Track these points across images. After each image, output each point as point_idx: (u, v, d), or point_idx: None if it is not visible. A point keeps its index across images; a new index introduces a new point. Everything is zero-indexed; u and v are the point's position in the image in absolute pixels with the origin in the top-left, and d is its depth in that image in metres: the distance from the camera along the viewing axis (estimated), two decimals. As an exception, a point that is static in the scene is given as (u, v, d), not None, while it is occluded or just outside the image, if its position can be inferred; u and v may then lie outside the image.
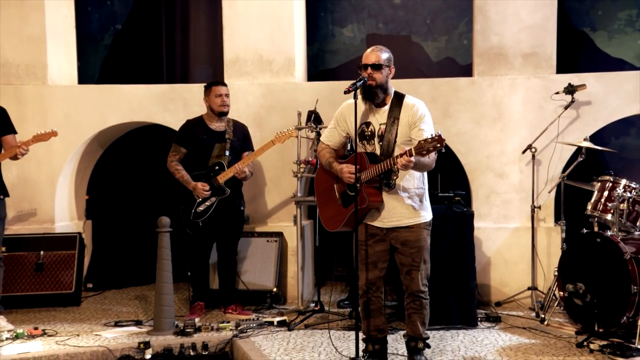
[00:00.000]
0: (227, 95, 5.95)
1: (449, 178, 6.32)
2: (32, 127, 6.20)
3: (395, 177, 4.27)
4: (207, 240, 6.03)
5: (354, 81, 4.15)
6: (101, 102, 7.00)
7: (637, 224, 5.35)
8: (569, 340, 5.06)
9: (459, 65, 7.63)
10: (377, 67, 4.24)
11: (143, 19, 8.22)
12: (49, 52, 6.99)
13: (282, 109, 6.69)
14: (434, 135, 3.93)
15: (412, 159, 3.96)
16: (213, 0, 7.65)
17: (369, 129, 4.35)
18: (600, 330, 4.99)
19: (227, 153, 5.93)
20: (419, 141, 3.99)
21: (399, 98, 4.34)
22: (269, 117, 6.69)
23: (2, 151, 5.50)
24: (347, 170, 4.28)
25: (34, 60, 6.97)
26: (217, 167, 5.89)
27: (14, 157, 5.47)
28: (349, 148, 4.76)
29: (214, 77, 7.42)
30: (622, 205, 5.27)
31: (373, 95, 4.28)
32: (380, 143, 4.29)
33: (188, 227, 5.87)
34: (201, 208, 5.86)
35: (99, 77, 8.16)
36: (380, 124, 4.32)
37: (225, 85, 6.01)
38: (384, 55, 4.29)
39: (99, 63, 8.21)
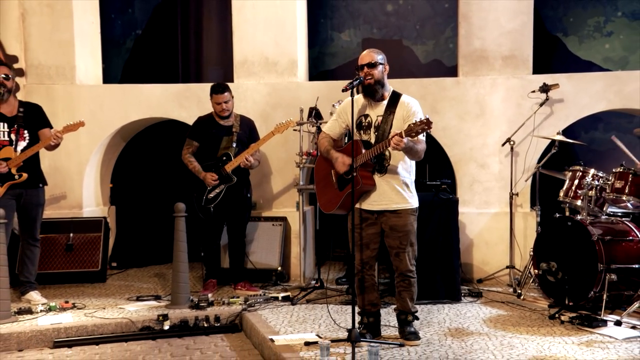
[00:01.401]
0: (226, 102, 5.83)
1: (436, 168, 6.34)
2: (62, 122, 6.16)
3: (386, 164, 4.30)
4: (218, 224, 6.04)
5: (351, 80, 4.17)
6: (123, 100, 6.99)
7: (604, 209, 5.36)
8: (542, 313, 5.09)
9: (446, 67, 7.62)
10: (373, 65, 4.27)
11: (161, 25, 8.21)
12: (77, 55, 6.98)
13: (285, 106, 6.68)
14: (422, 119, 3.96)
15: (404, 139, 3.98)
16: (224, 7, 7.64)
17: (367, 120, 4.37)
18: (570, 303, 5.02)
19: (234, 145, 5.91)
20: (409, 124, 4.02)
21: (395, 96, 4.37)
22: (274, 114, 6.69)
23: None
24: (340, 160, 4.31)
25: (63, 62, 6.96)
26: (224, 158, 5.88)
27: (50, 147, 5.49)
28: (346, 141, 4.77)
29: (224, 78, 7.43)
30: (590, 192, 5.28)
31: (373, 91, 4.30)
32: (376, 133, 4.31)
33: (200, 212, 5.89)
34: (211, 195, 5.87)
35: (121, 77, 8.16)
36: (377, 116, 4.34)
37: (223, 92, 5.82)
38: (378, 55, 4.32)
39: (121, 65, 8.21)
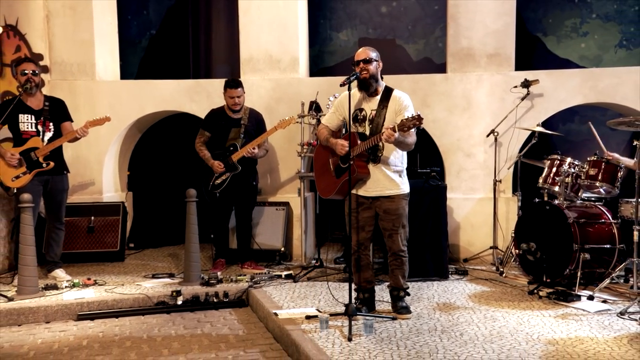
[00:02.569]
0: (238, 97, 5.83)
1: (427, 157, 6.34)
2: (83, 115, 6.22)
3: (380, 154, 4.30)
4: (226, 208, 6.05)
5: (348, 76, 4.18)
6: (139, 95, 7.00)
7: (579, 194, 5.39)
8: (522, 289, 5.12)
9: (435, 64, 7.61)
10: (368, 61, 4.27)
11: (173, 25, 8.18)
12: (97, 53, 6.98)
13: (288, 100, 6.69)
14: (414, 115, 3.97)
15: (396, 133, 4.00)
16: (231, 9, 7.61)
17: (362, 114, 4.38)
18: (548, 280, 5.06)
19: (242, 136, 5.90)
20: (402, 119, 4.02)
21: (388, 91, 4.36)
22: (277, 107, 6.70)
23: (62, 136, 5.54)
24: (340, 143, 4.32)
25: (84, 60, 6.95)
26: (231, 148, 5.89)
27: (74, 139, 5.51)
28: (344, 132, 4.78)
29: (232, 74, 7.43)
30: (567, 179, 5.30)
31: (368, 85, 4.30)
32: (370, 125, 4.32)
33: (207, 196, 5.91)
34: (218, 181, 5.89)
35: (137, 73, 8.14)
36: (371, 110, 4.34)
37: (237, 87, 5.81)
38: (372, 52, 4.32)
39: (137, 62, 8.19)
